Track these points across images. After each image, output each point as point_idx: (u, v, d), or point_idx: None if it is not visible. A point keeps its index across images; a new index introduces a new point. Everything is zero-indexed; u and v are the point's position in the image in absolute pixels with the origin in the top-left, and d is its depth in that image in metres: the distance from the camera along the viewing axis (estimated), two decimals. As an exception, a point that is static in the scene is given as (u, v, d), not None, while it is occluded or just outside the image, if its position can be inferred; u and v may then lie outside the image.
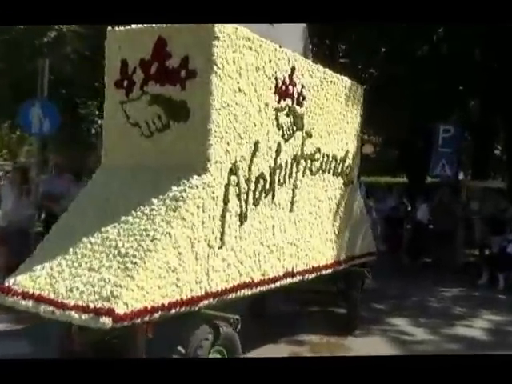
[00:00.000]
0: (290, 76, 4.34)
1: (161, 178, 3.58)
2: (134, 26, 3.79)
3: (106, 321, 2.88)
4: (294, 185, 4.53)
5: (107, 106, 3.99)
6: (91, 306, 2.97)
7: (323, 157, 4.99)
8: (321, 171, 4.97)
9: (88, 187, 3.92)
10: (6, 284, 3.35)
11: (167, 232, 3.24)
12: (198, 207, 3.44)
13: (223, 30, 3.56)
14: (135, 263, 3.11)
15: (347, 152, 5.45)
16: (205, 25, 3.50)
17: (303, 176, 4.68)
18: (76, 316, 2.97)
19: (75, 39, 10.17)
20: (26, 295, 3.26)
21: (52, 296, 3.18)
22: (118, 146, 3.91)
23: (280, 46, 4.18)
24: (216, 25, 3.51)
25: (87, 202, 3.75)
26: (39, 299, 3.20)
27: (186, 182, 3.47)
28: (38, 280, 3.32)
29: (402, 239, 9.81)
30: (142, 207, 3.44)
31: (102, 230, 3.41)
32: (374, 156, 18.40)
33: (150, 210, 3.40)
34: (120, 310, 2.93)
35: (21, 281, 3.33)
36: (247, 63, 3.83)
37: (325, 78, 4.91)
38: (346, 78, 5.33)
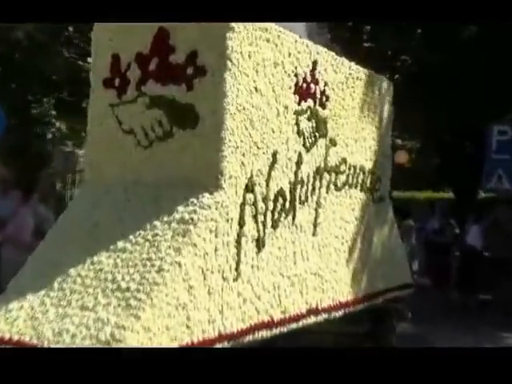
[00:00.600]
0: (312, 72, 4.57)
1: (163, 196, 3.76)
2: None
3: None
4: (317, 203, 4.74)
5: (93, 110, 4.18)
6: (88, 351, 3.11)
7: (349, 169, 5.22)
8: (347, 186, 5.19)
9: (70, 210, 4.08)
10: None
11: (176, 261, 3.40)
12: (210, 231, 3.61)
13: (238, 19, 3.79)
14: (140, 299, 3.26)
15: (377, 162, 5.69)
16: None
17: (327, 192, 4.89)
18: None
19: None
20: (1, 341, 3.38)
21: (35, 341, 3.31)
22: (107, 158, 4.10)
23: (300, 37, 4.42)
24: None
25: (71, 228, 3.91)
26: (19, 345, 3.33)
27: (195, 201, 3.65)
28: (16, 322, 3.44)
29: (449, 270, 9.49)
30: (142, 232, 3.61)
31: (94, 260, 3.57)
32: (410, 166, 17.72)
33: (152, 236, 3.56)
34: (124, 356, 3.08)
35: (-7, 324, 3.44)
36: (264, 58, 4.04)
37: (350, 74, 5.15)
38: (374, 74, 5.58)
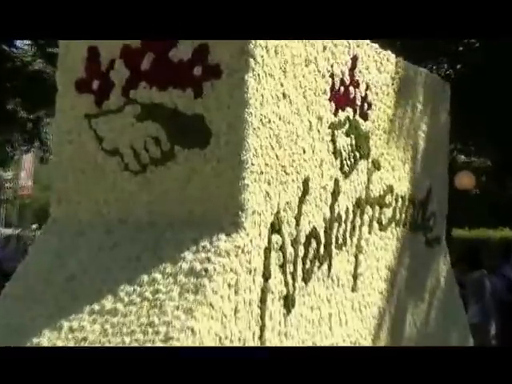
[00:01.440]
0: (351, 71, 4.78)
1: (164, 240, 3.88)
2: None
3: None
4: (357, 247, 4.91)
5: (60, 123, 4.31)
6: None
7: (396, 200, 5.42)
8: (393, 223, 5.38)
9: (32, 259, 4.16)
10: None
11: (188, 327, 3.50)
12: (229, 286, 3.73)
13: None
14: (141, 379, 3.37)
15: (431, 190, 5.89)
16: None
17: (370, 232, 5.07)
18: None
19: None
20: None
21: None
22: (81, 188, 4.22)
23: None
24: None
25: (35, 283, 3.97)
26: None
27: (207, 245, 3.78)
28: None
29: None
30: (137, 288, 3.70)
31: (74, 326, 3.64)
32: (478, 192, 17.16)
33: (152, 293, 3.66)
34: None
35: None
36: (294, 54, 4.22)
37: (398, 74, 5.37)
38: (426, 72, 5.80)
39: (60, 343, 3.63)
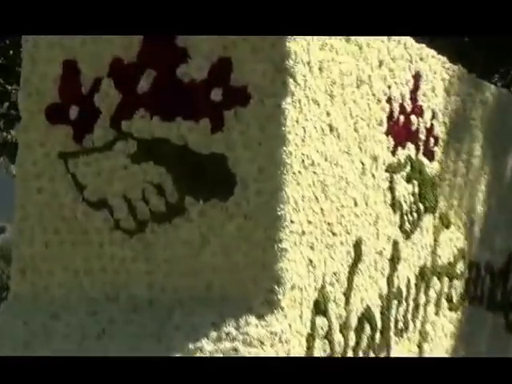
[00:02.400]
0: (413, 94, 5.00)
1: (170, 323, 4.03)
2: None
3: None
4: (421, 333, 5.10)
5: (26, 164, 4.43)
6: None
7: (470, 268, 5.63)
8: (466, 301, 5.58)
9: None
10: None
11: None
12: None
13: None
14: None
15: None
16: None
17: (437, 313, 5.27)
18: None
19: None
20: None
21: None
22: (55, 252, 4.34)
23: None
24: None
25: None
26: None
27: (233, 331, 3.92)
28: None
29: None
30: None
31: None
32: None
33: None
34: None
35: None
36: (342, 71, 4.44)
37: (470, 95, 5.60)
38: (500, 90, 6.05)
39: None
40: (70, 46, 4.37)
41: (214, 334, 3.93)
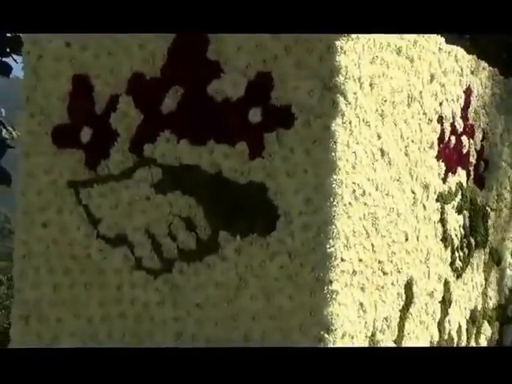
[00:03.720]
0: (464, 112, 4.73)
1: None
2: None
3: None
4: None
5: (29, 194, 4.17)
6: None
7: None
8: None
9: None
10: None
11: None
12: None
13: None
14: None
15: None
16: None
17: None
18: None
19: None
20: None
21: None
22: (64, 296, 4.08)
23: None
24: None
25: None
26: None
27: None
28: None
29: None
30: None
31: None
32: None
33: None
34: None
35: None
36: (393, 88, 4.13)
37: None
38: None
39: None
40: (80, 59, 4.17)
41: None
